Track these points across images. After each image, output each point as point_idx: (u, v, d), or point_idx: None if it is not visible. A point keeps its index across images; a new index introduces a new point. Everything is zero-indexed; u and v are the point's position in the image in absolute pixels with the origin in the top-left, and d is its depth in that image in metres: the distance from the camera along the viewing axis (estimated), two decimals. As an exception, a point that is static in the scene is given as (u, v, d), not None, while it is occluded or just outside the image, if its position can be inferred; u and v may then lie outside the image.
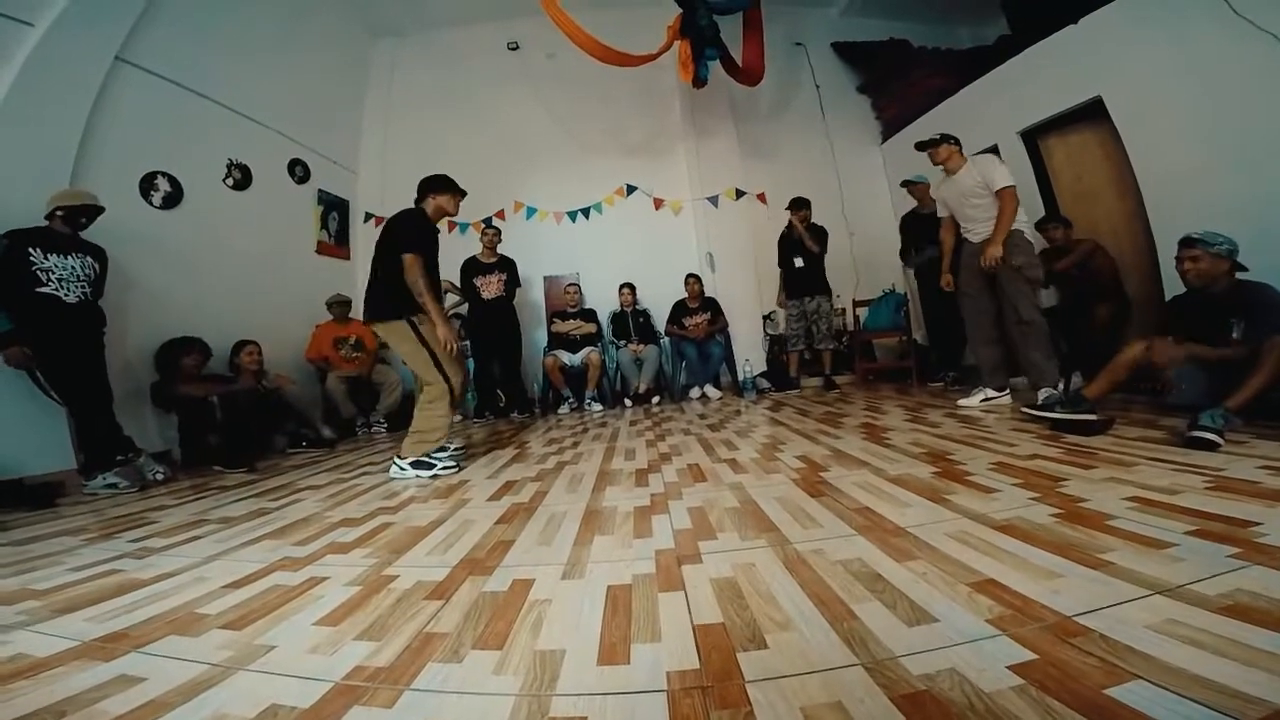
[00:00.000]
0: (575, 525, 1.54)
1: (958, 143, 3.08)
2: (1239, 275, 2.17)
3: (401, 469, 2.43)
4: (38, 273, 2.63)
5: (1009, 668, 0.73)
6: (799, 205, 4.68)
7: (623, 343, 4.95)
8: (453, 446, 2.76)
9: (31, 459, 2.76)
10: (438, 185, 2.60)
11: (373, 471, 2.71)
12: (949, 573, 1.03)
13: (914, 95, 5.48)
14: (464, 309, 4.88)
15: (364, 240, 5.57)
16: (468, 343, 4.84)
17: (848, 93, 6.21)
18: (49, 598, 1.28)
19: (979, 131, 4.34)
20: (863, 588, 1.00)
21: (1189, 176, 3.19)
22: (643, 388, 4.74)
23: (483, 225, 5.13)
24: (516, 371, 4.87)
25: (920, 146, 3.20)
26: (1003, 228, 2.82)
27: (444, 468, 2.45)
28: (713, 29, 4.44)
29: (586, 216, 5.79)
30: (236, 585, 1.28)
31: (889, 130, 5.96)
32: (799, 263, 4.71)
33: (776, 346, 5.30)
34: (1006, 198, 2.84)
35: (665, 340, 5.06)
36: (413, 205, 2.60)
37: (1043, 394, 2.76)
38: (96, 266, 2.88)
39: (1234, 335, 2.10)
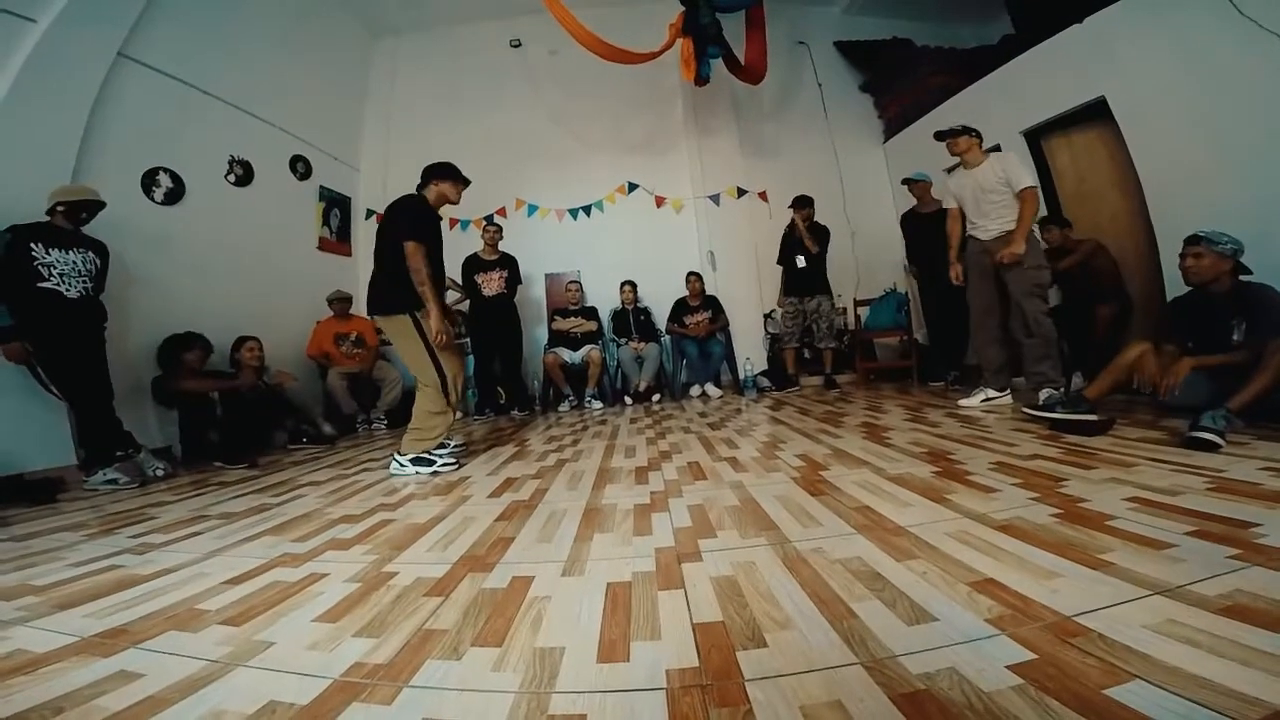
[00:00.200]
0: (575, 523, 1.54)
1: (979, 135, 3.07)
2: (1242, 278, 2.16)
3: (402, 465, 2.43)
4: (39, 268, 2.63)
5: (1008, 667, 0.73)
6: (802, 204, 4.67)
7: (623, 340, 4.94)
8: (453, 443, 2.76)
9: (32, 454, 2.77)
10: (441, 172, 2.57)
11: (373, 468, 2.71)
12: (949, 572, 1.03)
13: (917, 94, 5.46)
14: (465, 306, 4.89)
15: (365, 237, 5.58)
16: (468, 340, 4.86)
17: (850, 91, 6.18)
18: (48, 593, 1.29)
19: (982, 131, 4.31)
20: (862, 587, 1.00)
21: (1192, 177, 3.18)
22: (643, 386, 4.74)
23: (484, 222, 5.13)
24: (517, 369, 4.87)
25: (940, 136, 3.18)
26: (1024, 227, 2.82)
27: (444, 464, 2.45)
28: (715, 27, 4.42)
29: (588, 214, 5.79)
30: (236, 581, 1.28)
31: (891, 129, 5.93)
32: (800, 262, 4.70)
33: (777, 345, 5.30)
34: (1029, 198, 2.84)
35: (666, 338, 5.05)
36: (415, 191, 2.57)
37: (1043, 394, 2.77)
38: (98, 262, 2.88)
39: (1235, 337, 2.10)
